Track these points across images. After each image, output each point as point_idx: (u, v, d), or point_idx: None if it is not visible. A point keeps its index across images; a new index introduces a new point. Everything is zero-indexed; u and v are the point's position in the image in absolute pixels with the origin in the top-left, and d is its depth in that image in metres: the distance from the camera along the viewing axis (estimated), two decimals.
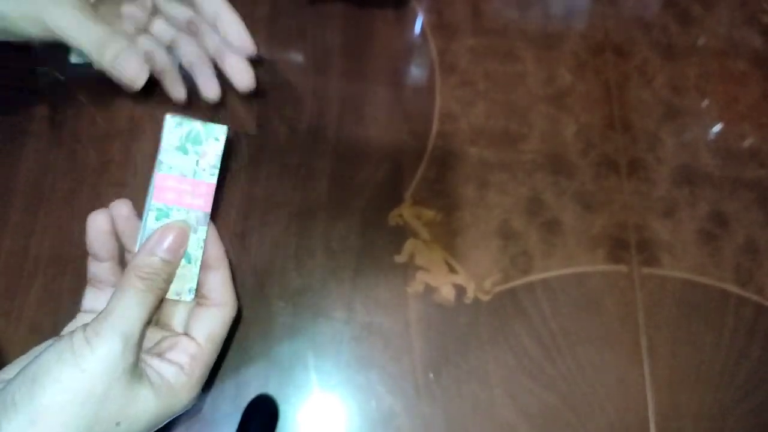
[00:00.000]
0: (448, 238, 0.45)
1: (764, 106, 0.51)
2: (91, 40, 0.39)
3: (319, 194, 0.46)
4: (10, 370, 0.30)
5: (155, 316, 0.34)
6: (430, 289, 0.44)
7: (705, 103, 0.51)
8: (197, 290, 0.34)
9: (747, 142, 0.50)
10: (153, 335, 0.34)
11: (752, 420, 0.42)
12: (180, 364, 0.32)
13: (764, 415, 0.42)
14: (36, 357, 0.29)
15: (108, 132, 0.47)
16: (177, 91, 0.45)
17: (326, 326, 0.43)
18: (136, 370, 0.30)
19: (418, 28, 0.52)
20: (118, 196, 0.44)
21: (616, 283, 0.45)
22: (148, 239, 0.32)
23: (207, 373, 0.33)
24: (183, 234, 0.33)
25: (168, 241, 0.32)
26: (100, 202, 0.44)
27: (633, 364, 0.43)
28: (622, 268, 0.45)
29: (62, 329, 0.41)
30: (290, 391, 0.41)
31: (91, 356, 0.28)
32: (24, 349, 0.40)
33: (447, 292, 0.44)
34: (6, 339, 0.41)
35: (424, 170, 0.47)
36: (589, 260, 0.45)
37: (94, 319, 0.30)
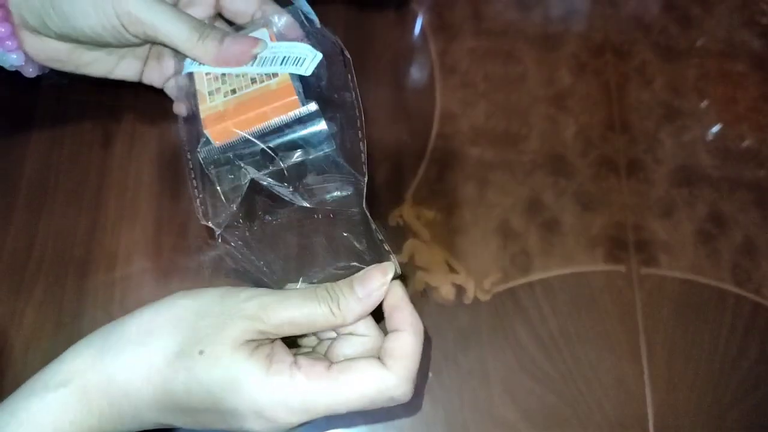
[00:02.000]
0: (448, 238, 0.46)
1: (763, 107, 0.51)
2: (185, 32, 0.36)
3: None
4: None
5: None
6: (430, 289, 0.44)
7: (704, 104, 0.51)
8: None
9: (746, 143, 0.50)
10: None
11: (751, 419, 0.42)
12: (299, 364, 0.29)
13: (762, 414, 0.42)
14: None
15: (111, 132, 0.47)
16: None
17: None
18: (251, 343, 0.29)
19: (418, 29, 0.53)
20: (121, 197, 0.45)
21: (615, 282, 0.45)
22: (358, 276, 0.31)
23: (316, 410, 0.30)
24: (384, 285, 0.31)
25: (372, 284, 0.31)
26: (103, 202, 0.45)
27: (632, 364, 0.43)
28: (621, 268, 0.46)
29: (65, 329, 0.42)
30: None
31: (237, 302, 0.30)
32: (26, 349, 0.41)
33: (447, 292, 0.44)
34: (8, 338, 0.41)
35: (424, 170, 0.47)
36: (588, 260, 0.46)
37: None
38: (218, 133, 0.33)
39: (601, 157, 0.49)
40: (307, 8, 0.38)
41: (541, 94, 0.51)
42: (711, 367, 0.43)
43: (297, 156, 0.34)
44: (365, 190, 0.35)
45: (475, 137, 0.49)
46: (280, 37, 0.37)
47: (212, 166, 0.34)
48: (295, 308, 0.29)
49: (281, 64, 0.35)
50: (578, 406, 0.42)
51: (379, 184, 0.47)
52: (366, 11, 0.52)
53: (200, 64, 0.36)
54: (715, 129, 0.51)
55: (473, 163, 0.48)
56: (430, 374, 0.42)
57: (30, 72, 0.41)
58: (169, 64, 0.41)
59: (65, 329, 0.41)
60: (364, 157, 0.35)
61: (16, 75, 0.42)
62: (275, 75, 0.34)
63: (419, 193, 0.47)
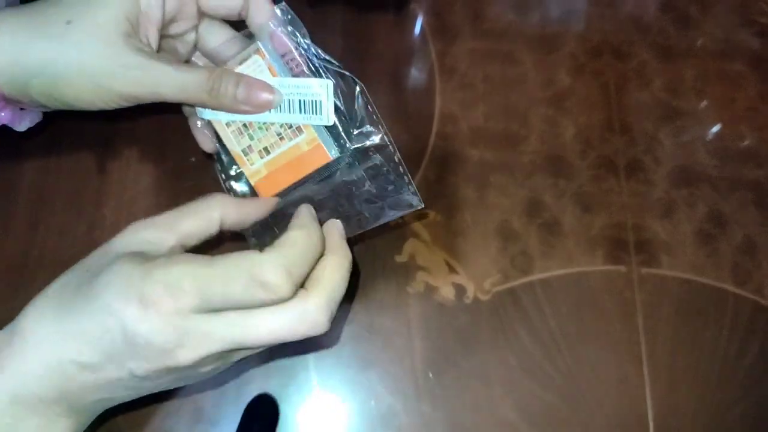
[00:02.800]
0: (448, 239, 0.46)
1: (762, 107, 0.52)
2: (194, 87, 0.34)
3: None
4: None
5: None
6: (430, 289, 0.44)
7: (703, 104, 0.51)
8: None
9: (745, 143, 0.50)
10: None
11: (750, 418, 0.42)
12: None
13: (762, 414, 0.42)
14: None
15: (110, 133, 0.47)
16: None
17: None
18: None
19: (418, 30, 0.53)
20: (121, 196, 0.45)
21: (615, 283, 0.45)
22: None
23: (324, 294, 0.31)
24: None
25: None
26: (103, 203, 0.45)
27: (632, 364, 0.43)
28: (621, 268, 0.46)
29: None
30: (290, 391, 0.41)
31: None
32: None
33: (447, 292, 0.44)
34: None
35: (424, 171, 0.48)
36: (588, 260, 0.46)
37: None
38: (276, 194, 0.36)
39: (600, 157, 0.49)
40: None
41: (540, 95, 0.51)
42: (711, 367, 0.43)
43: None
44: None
45: (475, 138, 0.49)
46: (272, 54, 0.36)
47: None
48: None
49: (300, 111, 0.35)
50: (578, 406, 0.42)
51: None
52: (366, 12, 0.52)
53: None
54: (715, 129, 0.51)
55: (473, 164, 0.48)
56: (430, 374, 0.42)
57: (20, 126, 0.39)
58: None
59: None
60: (407, 178, 0.36)
61: None
62: (299, 129, 0.35)
63: (419, 194, 0.47)
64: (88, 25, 0.33)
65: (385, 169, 0.35)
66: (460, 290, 0.44)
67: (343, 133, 0.36)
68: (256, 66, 0.35)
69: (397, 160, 0.36)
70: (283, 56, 0.36)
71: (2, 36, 0.33)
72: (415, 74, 0.51)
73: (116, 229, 0.43)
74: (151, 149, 0.47)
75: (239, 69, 0.35)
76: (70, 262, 0.43)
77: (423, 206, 0.36)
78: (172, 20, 0.36)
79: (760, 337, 0.44)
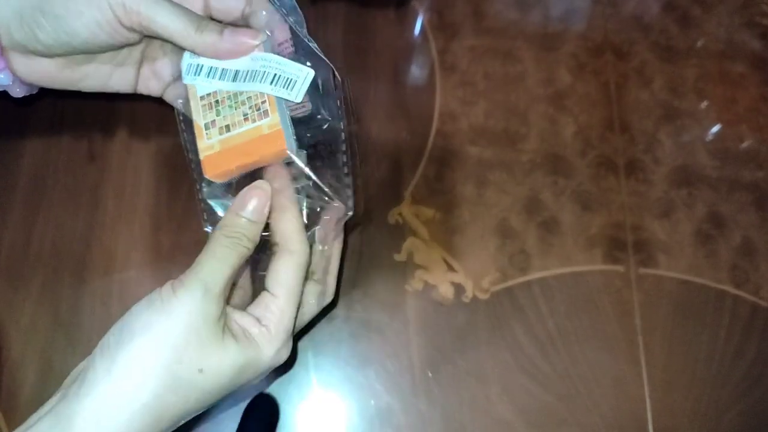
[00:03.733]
0: (446, 237, 0.46)
1: (762, 108, 0.51)
2: (183, 23, 0.35)
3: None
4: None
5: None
6: (428, 287, 0.44)
7: (703, 104, 0.51)
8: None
9: (745, 144, 0.50)
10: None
11: (748, 419, 0.42)
12: (256, 316, 0.32)
13: (760, 415, 0.42)
14: (131, 309, 0.31)
15: (109, 128, 0.47)
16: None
17: (325, 324, 0.43)
18: (219, 322, 0.31)
19: (418, 27, 0.53)
20: (119, 194, 0.45)
21: (613, 282, 0.45)
22: (234, 201, 0.33)
23: (288, 325, 0.33)
24: (266, 195, 0.33)
25: (252, 203, 0.33)
26: (102, 199, 0.45)
27: (630, 364, 0.43)
28: (620, 268, 0.46)
29: (63, 323, 0.42)
30: (290, 390, 0.41)
31: (176, 302, 0.30)
32: (23, 346, 0.41)
33: (445, 291, 0.44)
34: (6, 333, 0.41)
35: (423, 169, 0.47)
36: (586, 260, 0.46)
37: (184, 274, 0.31)
38: (217, 175, 0.36)
39: (600, 157, 0.49)
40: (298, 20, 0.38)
41: (541, 94, 0.51)
42: (709, 367, 0.43)
43: None
44: (351, 221, 0.37)
45: (475, 136, 0.49)
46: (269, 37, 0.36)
47: (216, 200, 0.37)
48: (224, 267, 0.32)
49: (272, 83, 0.35)
50: (576, 406, 0.42)
51: (378, 181, 0.47)
52: (366, 9, 0.52)
53: (198, 64, 0.36)
54: (715, 129, 0.51)
55: (472, 162, 0.48)
56: (429, 373, 0.42)
57: (17, 92, 0.39)
58: (165, 69, 0.41)
59: (63, 324, 0.41)
60: (350, 191, 0.37)
61: None
62: (266, 113, 0.35)
63: (418, 192, 0.47)
64: None
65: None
66: (458, 289, 0.44)
67: (307, 136, 0.37)
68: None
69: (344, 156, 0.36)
70: (279, 45, 0.37)
71: None
72: (416, 71, 0.51)
73: (116, 225, 0.44)
74: (151, 143, 0.47)
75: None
76: (69, 256, 0.43)
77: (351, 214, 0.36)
78: None
79: (757, 337, 0.44)
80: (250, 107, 0.35)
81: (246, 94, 0.35)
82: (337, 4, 0.52)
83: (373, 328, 0.43)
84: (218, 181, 0.36)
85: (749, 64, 0.53)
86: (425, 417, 0.41)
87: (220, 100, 0.36)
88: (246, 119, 0.35)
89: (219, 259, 0.32)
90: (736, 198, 0.48)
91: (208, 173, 0.35)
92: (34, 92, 0.40)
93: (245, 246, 0.33)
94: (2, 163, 0.45)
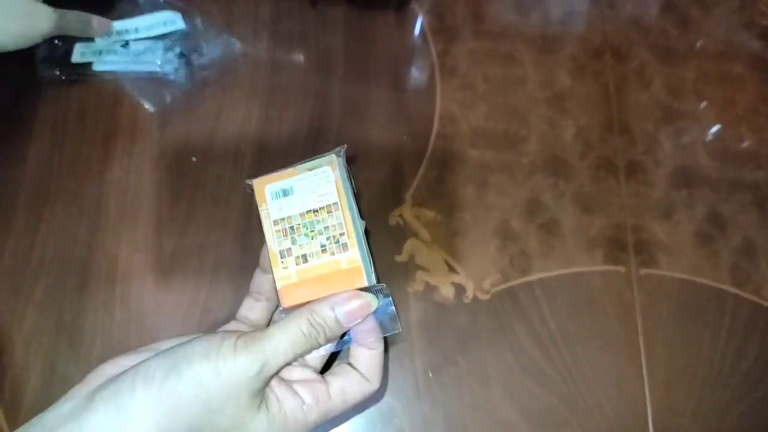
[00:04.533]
0: (447, 239, 0.46)
1: (762, 108, 0.52)
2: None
3: None
4: (163, 345, 0.32)
5: None
6: (430, 289, 0.44)
7: (703, 105, 0.52)
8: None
9: (745, 145, 0.50)
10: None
11: (749, 419, 0.42)
12: (303, 400, 0.32)
13: (761, 414, 0.42)
14: (185, 343, 0.30)
15: (111, 132, 0.47)
16: None
17: None
18: (260, 394, 0.31)
19: (418, 31, 0.53)
20: (122, 197, 0.45)
21: (614, 283, 0.45)
22: (337, 294, 0.33)
23: (320, 426, 0.33)
24: (367, 307, 0.33)
25: (352, 305, 0.33)
26: (104, 203, 0.45)
27: (631, 364, 0.43)
28: (620, 268, 0.46)
29: (66, 328, 0.42)
30: None
31: (232, 364, 0.29)
32: (26, 350, 0.41)
33: (447, 292, 0.44)
34: (10, 337, 0.41)
35: (424, 171, 0.48)
36: (587, 261, 0.46)
37: (251, 333, 0.31)
38: (294, 306, 0.35)
39: (600, 158, 0.49)
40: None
41: (541, 96, 0.51)
42: (710, 367, 0.43)
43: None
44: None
45: (475, 139, 0.49)
46: (341, 169, 0.36)
47: None
48: (290, 348, 0.31)
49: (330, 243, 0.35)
50: (577, 407, 0.42)
51: (379, 184, 0.47)
52: (367, 12, 0.53)
53: (281, 189, 0.36)
54: (714, 130, 0.51)
55: (473, 164, 0.48)
56: (430, 374, 0.42)
57: None
58: None
59: (66, 328, 0.42)
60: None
61: (16, 76, 0.42)
62: (345, 246, 0.35)
63: (419, 194, 0.47)
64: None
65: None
66: (459, 290, 0.44)
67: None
68: (324, 176, 0.35)
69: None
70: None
71: None
72: (416, 74, 0.51)
73: (118, 229, 0.44)
74: (153, 147, 0.47)
75: (308, 173, 0.35)
76: (72, 261, 0.43)
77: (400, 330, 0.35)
78: None
79: (758, 337, 0.44)
80: (328, 238, 0.35)
81: (322, 224, 0.35)
82: (337, 7, 0.52)
83: None
84: (293, 308, 0.35)
85: (748, 64, 0.53)
86: (427, 418, 0.41)
87: (294, 227, 0.35)
88: (324, 251, 0.35)
89: (290, 342, 0.31)
90: (736, 198, 0.48)
91: (285, 303, 0.35)
92: None
93: (319, 342, 0.32)
94: (5, 169, 0.46)
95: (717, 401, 0.42)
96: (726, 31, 0.54)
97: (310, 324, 0.32)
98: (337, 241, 0.35)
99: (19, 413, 0.40)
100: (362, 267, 0.34)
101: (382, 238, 0.45)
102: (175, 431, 0.29)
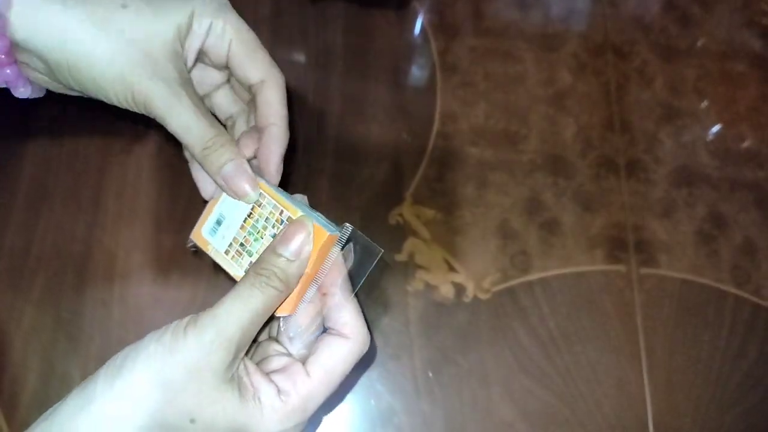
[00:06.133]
0: (447, 238, 0.46)
1: (763, 107, 0.52)
2: (194, 136, 0.33)
3: (319, 193, 0.46)
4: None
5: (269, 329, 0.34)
6: (429, 288, 0.44)
7: (704, 104, 0.51)
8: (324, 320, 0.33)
9: (745, 144, 0.50)
10: (267, 348, 0.33)
11: (749, 419, 0.42)
12: (279, 388, 0.30)
13: (761, 414, 0.42)
14: (147, 335, 0.30)
15: (110, 130, 0.47)
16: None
17: None
18: (227, 372, 0.29)
19: (418, 28, 0.53)
20: (120, 194, 0.45)
21: (615, 283, 0.45)
22: (276, 238, 0.32)
23: (311, 408, 0.31)
24: (301, 226, 0.31)
25: (287, 233, 0.31)
26: (103, 200, 0.45)
27: (631, 364, 0.43)
28: (621, 268, 0.46)
29: (64, 325, 0.42)
30: None
31: (183, 345, 0.28)
32: (24, 348, 0.41)
33: (446, 291, 0.44)
34: (8, 334, 0.41)
35: (424, 170, 0.47)
36: (587, 260, 0.46)
37: (203, 311, 0.29)
38: (291, 308, 0.33)
39: (600, 157, 0.49)
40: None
41: (541, 94, 0.51)
42: (710, 367, 0.43)
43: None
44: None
45: (475, 137, 0.49)
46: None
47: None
48: (245, 310, 0.29)
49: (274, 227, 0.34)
50: (577, 407, 0.42)
51: (378, 182, 0.47)
52: (367, 10, 0.52)
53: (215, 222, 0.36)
54: (715, 129, 0.51)
55: (473, 162, 0.48)
56: (430, 374, 0.42)
57: (21, 92, 0.37)
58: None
59: (64, 326, 0.41)
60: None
61: None
62: (290, 219, 0.33)
63: (419, 192, 0.47)
64: (142, 22, 0.32)
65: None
66: (459, 289, 0.44)
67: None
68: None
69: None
70: None
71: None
72: (416, 72, 0.51)
73: (116, 226, 0.44)
74: (152, 144, 0.47)
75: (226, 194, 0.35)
76: (70, 258, 0.43)
77: (382, 251, 0.34)
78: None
79: (759, 337, 0.44)
80: (273, 225, 0.34)
81: (261, 219, 0.34)
82: (337, 4, 0.52)
83: (374, 329, 0.43)
84: (290, 314, 0.33)
85: (749, 63, 0.53)
86: (427, 417, 0.41)
87: (243, 242, 0.34)
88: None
89: (242, 301, 0.29)
90: (737, 197, 0.48)
91: (284, 311, 0.33)
92: (41, 95, 0.38)
93: (275, 287, 0.30)
94: (3, 165, 0.45)
95: (717, 401, 0.42)
96: (727, 29, 0.54)
97: (257, 274, 0.30)
98: (282, 222, 0.33)
99: (17, 410, 0.39)
100: (316, 224, 0.32)
101: (381, 237, 0.45)
102: (136, 416, 0.28)
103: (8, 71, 0.35)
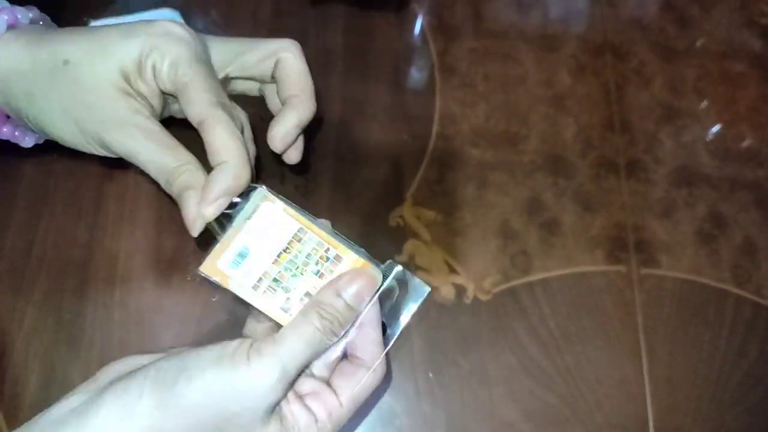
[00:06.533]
0: (448, 239, 0.46)
1: (762, 107, 0.52)
2: (156, 170, 0.34)
3: (320, 195, 0.46)
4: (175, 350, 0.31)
5: None
6: (430, 289, 0.44)
7: (703, 104, 0.51)
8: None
9: (745, 143, 0.50)
10: None
11: (750, 418, 0.42)
12: (317, 417, 0.30)
13: (762, 414, 0.42)
14: (199, 349, 0.29)
15: None
16: None
17: None
18: (276, 407, 0.29)
19: (418, 29, 0.53)
20: (122, 197, 0.45)
21: (615, 283, 0.45)
22: (336, 278, 0.32)
23: (337, 427, 0.32)
24: (372, 282, 0.32)
25: (358, 284, 0.31)
26: (104, 203, 0.45)
27: (632, 364, 0.43)
28: (621, 268, 0.46)
29: (65, 327, 0.42)
30: None
31: (245, 374, 0.28)
32: (25, 350, 0.41)
33: (447, 292, 0.44)
34: (9, 337, 0.41)
35: (424, 171, 0.48)
36: (588, 260, 0.46)
37: (264, 339, 0.29)
38: None
39: (600, 157, 0.49)
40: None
41: (541, 95, 0.51)
42: (711, 367, 0.43)
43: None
44: None
45: (475, 138, 0.49)
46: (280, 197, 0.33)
47: None
48: (305, 351, 0.30)
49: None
50: (578, 407, 0.42)
51: (379, 183, 0.47)
52: (366, 11, 0.52)
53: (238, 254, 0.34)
54: (715, 129, 0.51)
55: (473, 163, 0.48)
56: (430, 374, 0.42)
57: (26, 141, 0.38)
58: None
59: (65, 328, 0.41)
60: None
61: None
62: (338, 257, 0.33)
63: (419, 194, 0.47)
64: (85, 71, 0.32)
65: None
66: (460, 290, 0.44)
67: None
68: (267, 213, 0.33)
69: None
70: None
71: (5, 58, 0.33)
72: (416, 73, 0.51)
73: (117, 229, 0.44)
74: None
75: (248, 223, 0.32)
76: (71, 261, 0.43)
77: (429, 289, 0.34)
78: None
79: (759, 337, 0.44)
80: (317, 262, 0.32)
81: (302, 254, 0.32)
82: (337, 6, 0.52)
83: None
84: None
85: (749, 63, 0.53)
86: (428, 419, 0.41)
87: (277, 278, 0.32)
88: (321, 275, 0.32)
89: (306, 342, 0.29)
90: (737, 197, 0.48)
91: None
92: (45, 139, 0.39)
93: (335, 333, 0.31)
94: (4, 168, 0.45)
95: (718, 400, 0.42)
96: (727, 29, 0.54)
97: (321, 317, 0.30)
98: (328, 259, 0.32)
99: (18, 413, 0.39)
100: (368, 263, 0.32)
101: (382, 239, 0.45)
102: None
103: (5, 130, 0.36)
